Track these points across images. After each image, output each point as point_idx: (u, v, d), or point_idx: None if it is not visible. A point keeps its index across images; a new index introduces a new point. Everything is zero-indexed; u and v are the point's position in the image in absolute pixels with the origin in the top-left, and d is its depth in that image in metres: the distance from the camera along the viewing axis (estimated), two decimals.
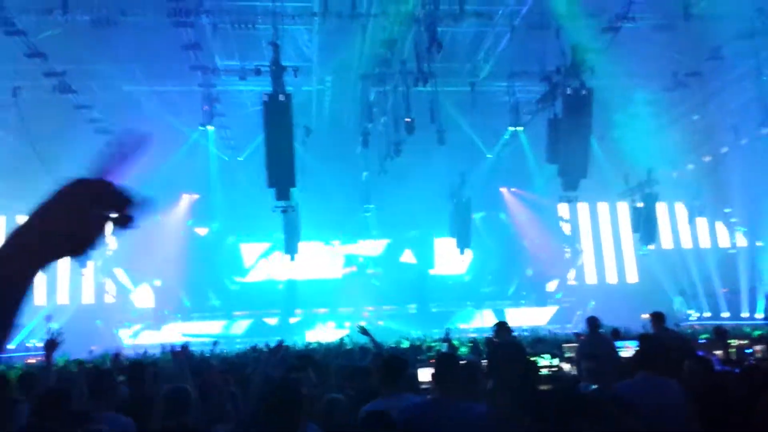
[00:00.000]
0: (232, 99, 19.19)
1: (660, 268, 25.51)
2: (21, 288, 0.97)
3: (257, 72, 15.74)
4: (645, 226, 22.88)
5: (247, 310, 28.03)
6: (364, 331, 6.88)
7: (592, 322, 8.98)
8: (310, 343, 17.94)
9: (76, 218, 1.01)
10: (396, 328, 25.00)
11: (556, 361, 10.54)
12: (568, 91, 15.54)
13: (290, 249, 23.11)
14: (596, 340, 8.84)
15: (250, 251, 29.30)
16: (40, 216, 1.01)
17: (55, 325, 23.82)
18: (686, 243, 28.16)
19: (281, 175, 14.74)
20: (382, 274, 29.35)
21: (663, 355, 7.84)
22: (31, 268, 0.99)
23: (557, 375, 9.76)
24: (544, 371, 9.65)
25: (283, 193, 15.67)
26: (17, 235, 1.00)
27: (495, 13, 15.53)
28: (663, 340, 7.99)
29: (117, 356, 8.21)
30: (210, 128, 18.65)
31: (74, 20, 14.51)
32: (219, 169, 23.52)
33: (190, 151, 21.64)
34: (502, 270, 29.73)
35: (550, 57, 16.61)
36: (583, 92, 15.39)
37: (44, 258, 1.00)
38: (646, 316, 23.92)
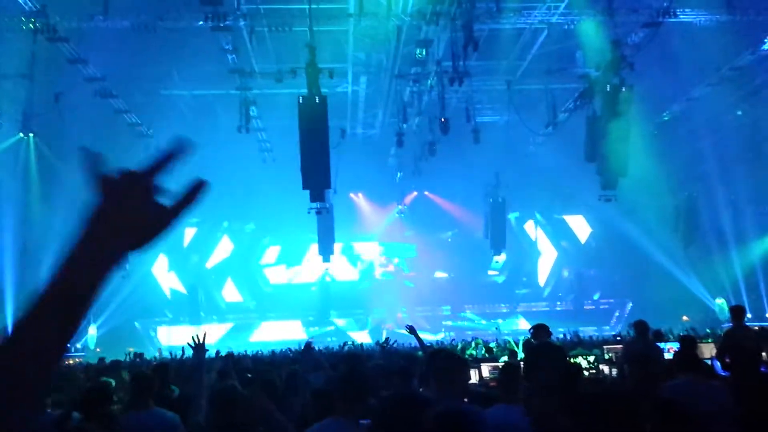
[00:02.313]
0: (268, 102, 19.30)
1: (701, 267, 24.85)
2: (90, 294, 0.99)
3: (293, 74, 15.78)
4: (685, 224, 22.40)
5: (281, 311, 28.18)
6: (411, 330, 6.83)
7: (641, 326, 8.71)
8: (346, 343, 17.98)
9: (137, 211, 1.02)
10: (430, 329, 24.93)
11: (593, 360, 10.34)
12: (608, 88, 15.27)
13: (325, 251, 23.16)
14: (643, 344, 8.60)
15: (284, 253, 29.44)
16: (99, 217, 1.01)
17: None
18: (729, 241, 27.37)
19: (316, 177, 14.75)
20: (416, 276, 29.25)
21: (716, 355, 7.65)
22: (100, 272, 1.00)
23: (598, 377, 9.57)
24: (584, 373, 9.48)
25: (317, 195, 15.71)
26: (81, 243, 1.00)
27: (532, 10, 15.31)
28: (737, 338, 7.78)
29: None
30: (246, 131, 18.75)
31: (114, 26, 14.75)
32: (255, 171, 23.64)
33: (226, 154, 21.80)
34: (536, 271, 29.44)
35: (589, 54, 16.34)
36: (623, 89, 15.11)
37: (112, 260, 1.01)
38: (686, 318, 23.47)
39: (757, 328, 13.88)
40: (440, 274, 29.26)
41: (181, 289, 28.18)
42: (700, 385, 4.90)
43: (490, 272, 28.94)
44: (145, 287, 26.16)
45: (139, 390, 4.71)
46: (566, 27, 15.55)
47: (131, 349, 19.11)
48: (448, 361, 4.15)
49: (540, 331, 8.13)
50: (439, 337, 23.93)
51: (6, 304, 19.58)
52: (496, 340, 15.63)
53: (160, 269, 28.11)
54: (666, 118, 20.84)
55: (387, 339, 7.60)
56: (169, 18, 14.75)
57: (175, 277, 28.36)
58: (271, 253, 29.33)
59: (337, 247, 24.24)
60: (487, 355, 12.18)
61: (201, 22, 14.73)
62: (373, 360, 8.37)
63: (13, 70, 15.51)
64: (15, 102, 16.05)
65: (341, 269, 28.46)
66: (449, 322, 28.04)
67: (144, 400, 4.64)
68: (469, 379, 5.02)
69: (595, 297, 29.18)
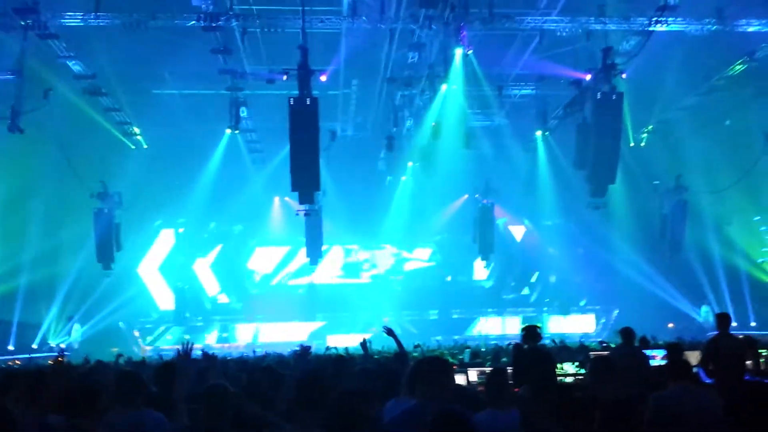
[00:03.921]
0: (258, 103, 19.24)
1: (686, 276, 24.99)
2: None
3: (285, 75, 15.75)
4: (672, 233, 22.49)
5: (268, 314, 28.00)
6: (389, 332, 6.75)
7: (627, 333, 8.75)
8: (329, 348, 17.86)
9: None
10: (417, 334, 24.82)
11: (577, 365, 10.34)
12: (598, 95, 15.35)
13: (313, 253, 23.07)
14: (628, 351, 8.63)
15: (270, 255, 29.21)
16: None
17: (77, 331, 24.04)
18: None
19: (305, 179, 14.71)
20: (404, 280, 29.17)
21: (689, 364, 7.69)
22: None
23: (584, 384, 9.58)
24: (569, 379, 9.50)
25: (306, 197, 15.64)
26: None
27: (524, 16, 15.36)
28: (722, 346, 7.80)
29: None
30: (236, 132, 18.68)
31: (105, 24, 14.64)
32: (244, 172, 23.54)
33: (215, 154, 21.70)
34: (525, 276, 29.47)
35: (581, 61, 16.42)
36: (614, 96, 15.19)
37: None
38: (671, 325, 23.54)
39: (741, 336, 13.97)
40: (427, 278, 29.21)
41: (167, 289, 27.94)
42: (693, 392, 4.94)
43: (476, 277, 29.00)
44: (130, 288, 25.96)
45: (127, 389, 4.64)
46: (558, 34, 15.60)
47: (115, 349, 18.98)
48: (433, 365, 4.14)
49: (530, 334, 8.03)
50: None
51: None
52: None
53: (145, 270, 27.88)
54: (655, 127, 20.97)
55: (364, 341, 7.56)
56: (160, 17, 14.67)
57: (160, 277, 28.12)
58: (259, 254, 29.15)
59: (325, 249, 24.17)
60: None
61: (193, 22, 14.67)
62: (358, 364, 8.34)
63: (3, 66, 15.36)
64: (3, 99, 15.87)
65: (328, 272, 28.35)
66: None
67: (132, 400, 4.57)
68: (454, 382, 5.03)
69: (582, 303, 29.27)
